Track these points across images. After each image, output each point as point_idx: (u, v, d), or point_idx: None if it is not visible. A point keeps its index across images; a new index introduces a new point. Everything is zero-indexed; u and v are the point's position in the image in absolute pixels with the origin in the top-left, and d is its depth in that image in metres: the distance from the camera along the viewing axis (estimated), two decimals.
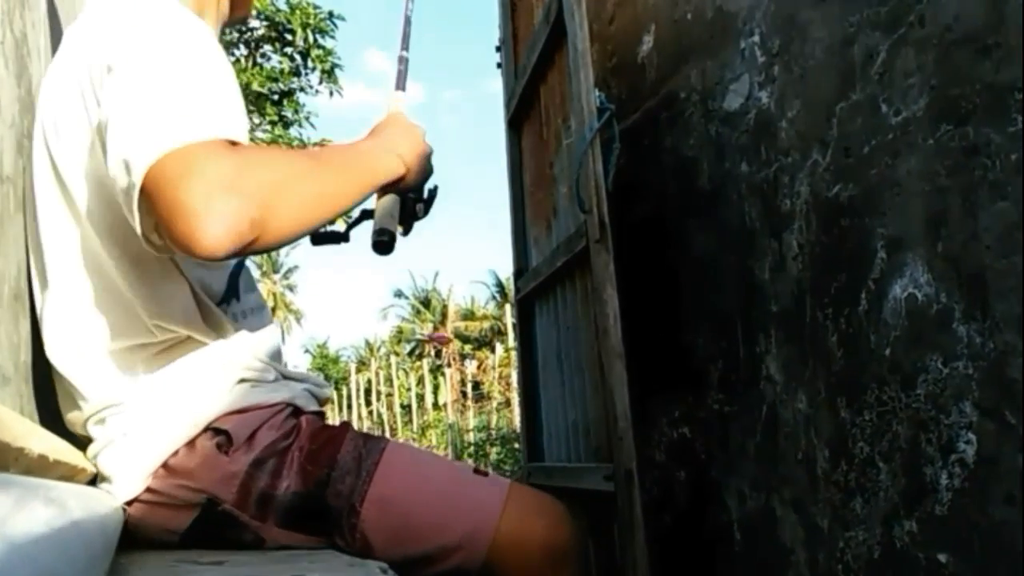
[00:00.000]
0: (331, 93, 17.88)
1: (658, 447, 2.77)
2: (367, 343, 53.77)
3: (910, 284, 1.64)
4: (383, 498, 1.54)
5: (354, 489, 1.54)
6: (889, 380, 1.70)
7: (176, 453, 1.54)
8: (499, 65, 4.26)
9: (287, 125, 17.51)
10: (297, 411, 1.68)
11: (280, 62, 17.24)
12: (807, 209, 1.95)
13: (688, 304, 2.55)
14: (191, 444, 1.55)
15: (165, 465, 1.53)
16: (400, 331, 51.50)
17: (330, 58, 17.42)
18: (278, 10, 16.80)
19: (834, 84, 1.86)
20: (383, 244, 1.55)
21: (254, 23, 16.63)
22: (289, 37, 17.07)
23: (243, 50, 17.36)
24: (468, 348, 42.54)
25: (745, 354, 2.22)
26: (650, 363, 2.75)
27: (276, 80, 17.13)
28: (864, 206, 1.76)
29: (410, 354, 48.02)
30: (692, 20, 2.49)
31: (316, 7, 17.06)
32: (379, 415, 29.24)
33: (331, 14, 17.38)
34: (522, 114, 3.75)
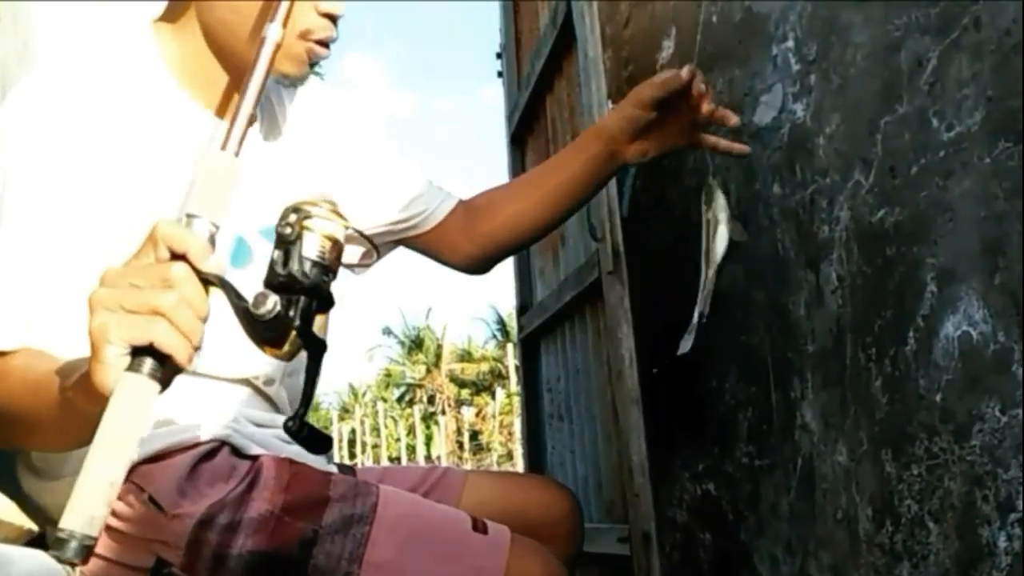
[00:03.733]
0: None
1: (679, 505, 2.76)
2: (351, 388, 53.77)
3: (964, 321, 1.64)
4: (382, 564, 1.54)
5: (350, 552, 1.54)
6: (940, 430, 1.69)
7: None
8: (500, 73, 4.28)
9: None
10: (236, 451, 1.68)
11: None
12: (848, 236, 1.95)
13: (713, 344, 2.55)
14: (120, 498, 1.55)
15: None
16: (388, 374, 51.48)
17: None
18: None
19: (878, 95, 1.86)
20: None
21: None
22: None
23: None
24: (465, 393, 42.53)
25: (778, 400, 2.22)
26: (670, 410, 2.75)
27: None
28: (912, 233, 1.76)
29: (399, 400, 47.99)
30: (718, 23, 2.50)
31: None
32: None
33: None
34: (526, 129, 3.77)
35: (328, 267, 1.26)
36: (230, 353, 1.71)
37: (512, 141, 3.90)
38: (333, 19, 1.69)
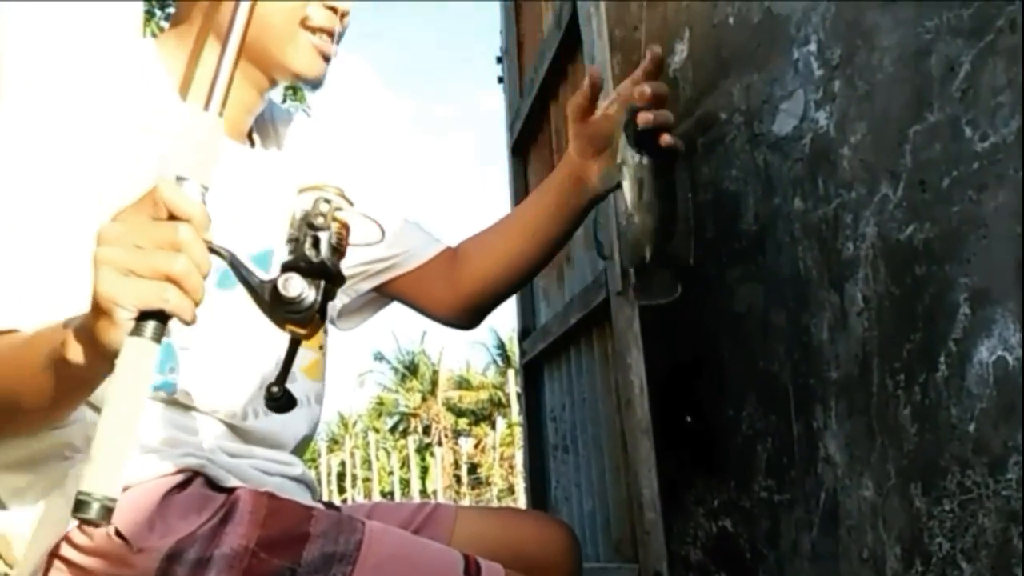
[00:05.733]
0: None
1: (693, 543, 2.76)
2: (340, 417, 53.72)
3: (999, 345, 1.63)
4: None
5: None
6: (974, 462, 1.69)
7: (69, 541, 1.54)
8: (500, 79, 4.29)
9: None
10: (211, 482, 1.67)
11: None
12: (874, 254, 1.95)
13: (730, 369, 2.55)
14: (80, 528, 1.55)
15: (60, 557, 1.54)
16: (381, 402, 51.42)
17: None
18: None
19: (907, 103, 1.86)
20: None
21: None
22: None
23: None
24: (463, 423, 42.51)
25: (799, 430, 2.21)
26: (683, 441, 2.74)
27: None
28: (943, 250, 1.76)
29: (392, 430, 47.95)
30: (735, 25, 2.50)
31: None
32: None
33: None
34: (528, 138, 3.78)
35: (343, 253, 1.41)
36: (210, 387, 1.71)
37: (513, 151, 3.90)
38: (338, 13, 1.75)
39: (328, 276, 1.37)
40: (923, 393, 1.82)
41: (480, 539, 1.94)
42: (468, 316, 2.17)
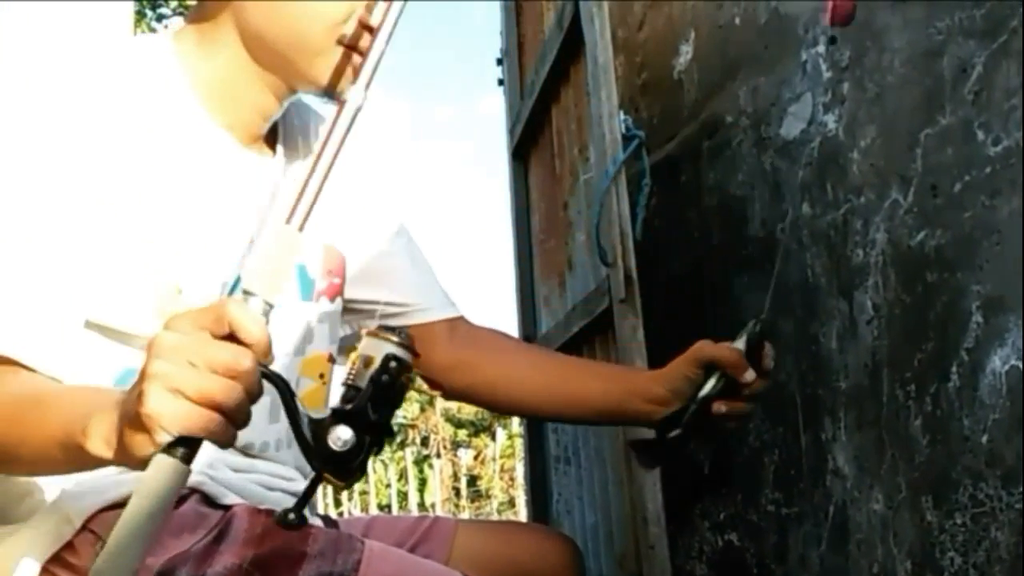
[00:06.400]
0: None
1: (699, 558, 2.75)
2: None
3: (1012, 355, 1.63)
4: None
5: None
6: (986, 474, 1.68)
7: (59, 559, 1.54)
8: (501, 81, 4.28)
9: None
10: (208, 499, 1.66)
11: None
12: (884, 261, 1.95)
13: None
14: (71, 547, 1.54)
15: (51, 575, 1.53)
16: None
17: None
18: None
19: (918, 106, 1.86)
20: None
21: None
22: None
23: None
24: (463, 434, 42.40)
25: (807, 442, 2.21)
26: (688, 453, 2.74)
27: None
28: (955, 257, 1.76)
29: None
30: (741, 25, 2.50)
31: None
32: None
33: None
34: (530, 142, 3.77)
35: (398, 407, 1.39)
36: None
37: (514, 155, 3.90)
38: (370, 31, 1.74)
39: (380, 435, 1.34)
40: (934, 404, 1.81)
41: (481, 553, 1.93)
42: (451, 392, 2.15)
